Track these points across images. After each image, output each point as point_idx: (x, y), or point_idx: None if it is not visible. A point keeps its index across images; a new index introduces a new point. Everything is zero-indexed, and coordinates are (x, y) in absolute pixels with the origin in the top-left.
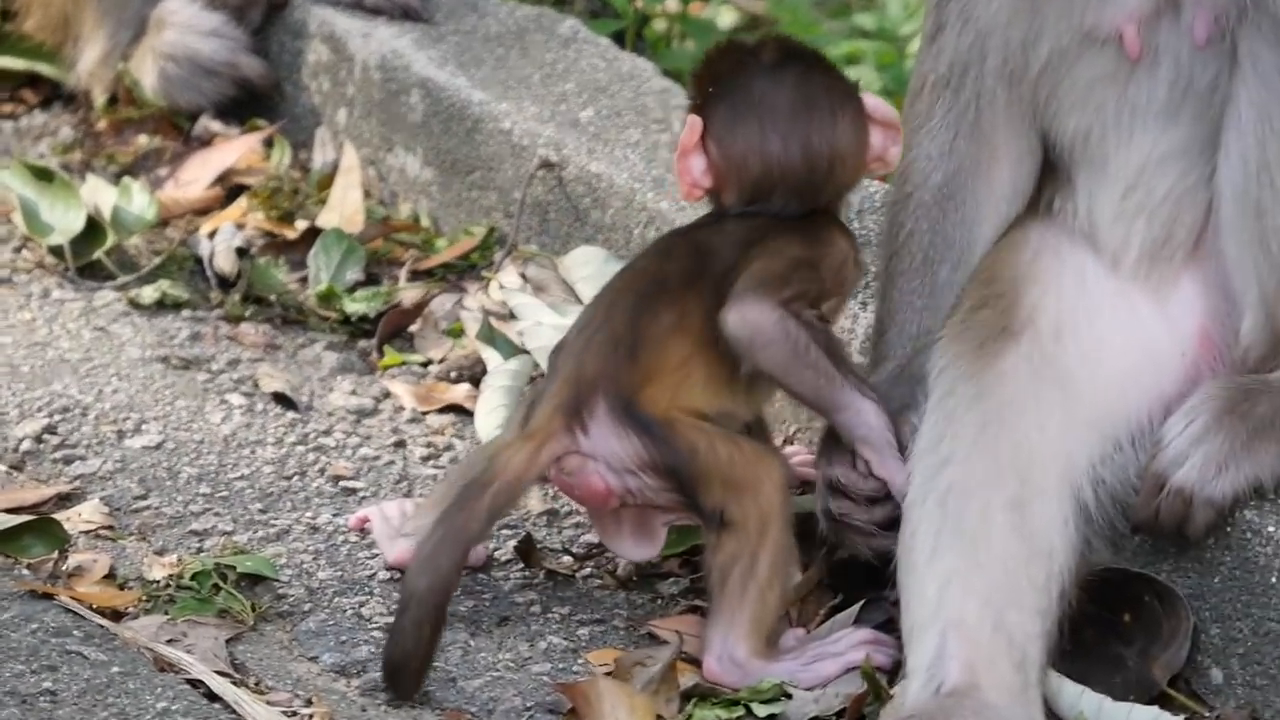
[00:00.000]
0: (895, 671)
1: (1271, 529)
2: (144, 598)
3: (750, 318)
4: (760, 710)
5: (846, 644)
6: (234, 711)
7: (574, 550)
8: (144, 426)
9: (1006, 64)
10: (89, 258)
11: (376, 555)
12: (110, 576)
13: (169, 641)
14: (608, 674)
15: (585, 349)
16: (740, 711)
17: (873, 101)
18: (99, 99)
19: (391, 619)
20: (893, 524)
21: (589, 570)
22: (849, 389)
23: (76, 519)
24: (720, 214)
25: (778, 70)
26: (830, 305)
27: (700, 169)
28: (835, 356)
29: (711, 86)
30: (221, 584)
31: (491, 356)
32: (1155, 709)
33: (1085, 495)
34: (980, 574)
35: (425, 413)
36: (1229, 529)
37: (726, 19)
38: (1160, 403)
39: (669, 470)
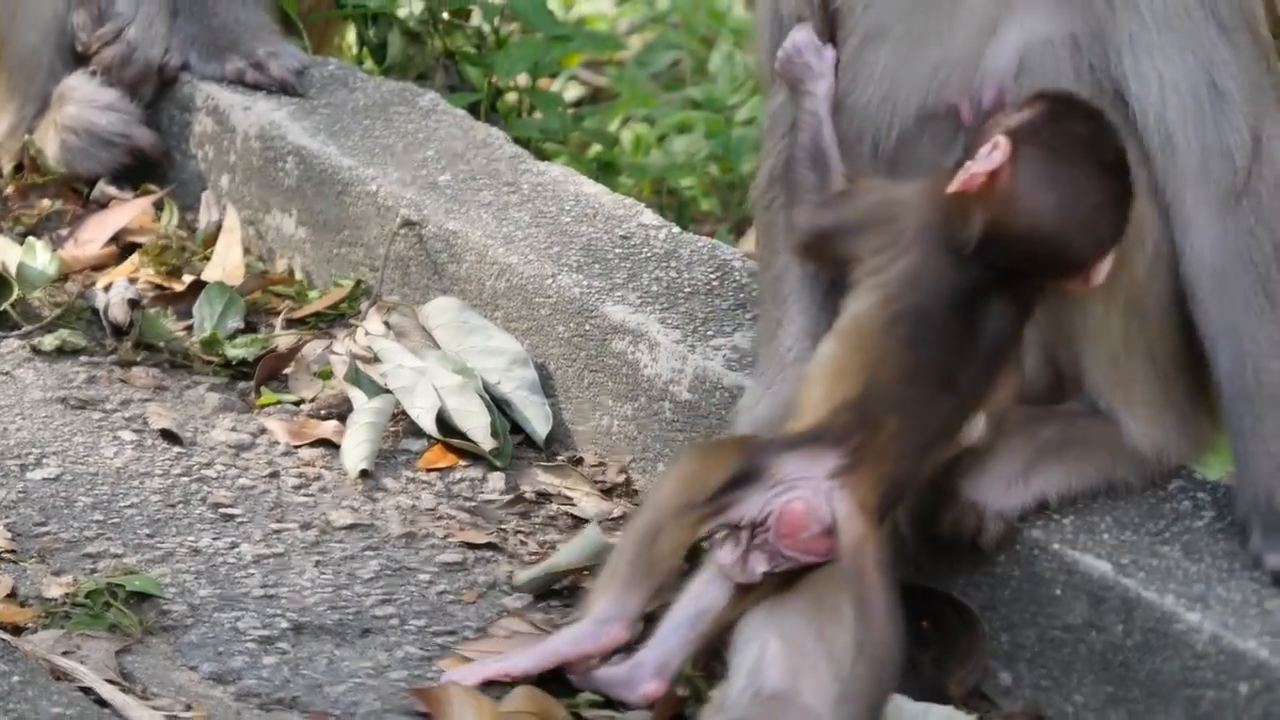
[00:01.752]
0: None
1: (1056, 546)
2: (42, 614)
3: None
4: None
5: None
6: (122, 716)
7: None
8: (44, 460)
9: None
10: None
11: (251, 575)
12: (12, 595)
13: (64, 653)
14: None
15: (904, 445)
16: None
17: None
18: (6, 167)
19: (264, 631)
20: None
21: (443, 585)
22: None
23: None
24: (943, 257)
25: (1114, 151)
26: None
27: (980, 181)
28: None
29: (1046, 127)
30: (112, 601)
31: (357, 396)
32: (949, 709)
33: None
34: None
35: (297, 446)
36: (1018, 546)
37: (572, 92)
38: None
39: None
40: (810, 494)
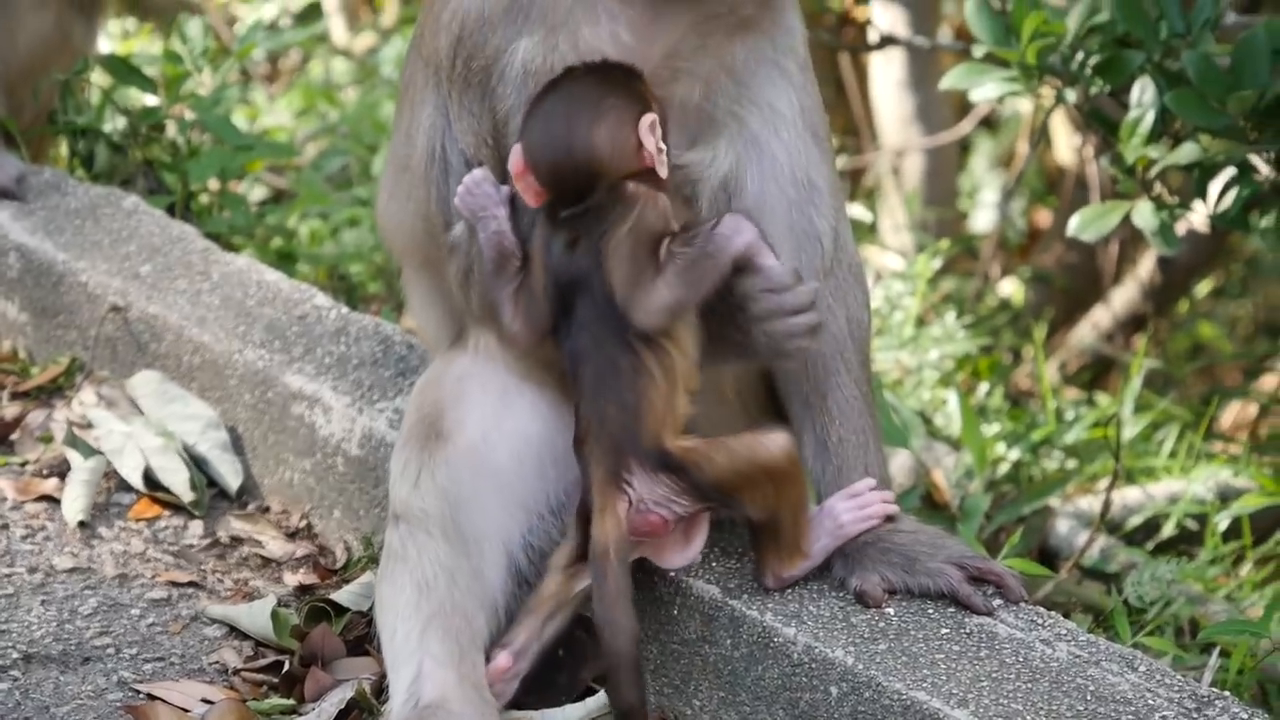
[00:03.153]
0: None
1: (672, 574)
2: None
3: (649, 309)
4: None
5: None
6: None
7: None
8: None
9: None
10: None
11: None
12: None
13: None
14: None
15: (601, 431)
16: None
17: (649, 119)
18: None
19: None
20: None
21: (152, 618)
22: (712, 246)
23: None
24: (554, 223)
25: (560, 88)
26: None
27: (532, 185)
28: (693, 253)
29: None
30: None
31: (74, 457)
32: (596, 699)
33: (519, 560)
34: (450, 622)
35: (23, 501)
36: (640, 574)
37: (257, 193)
38: (573, 481)
39: (695, 489)
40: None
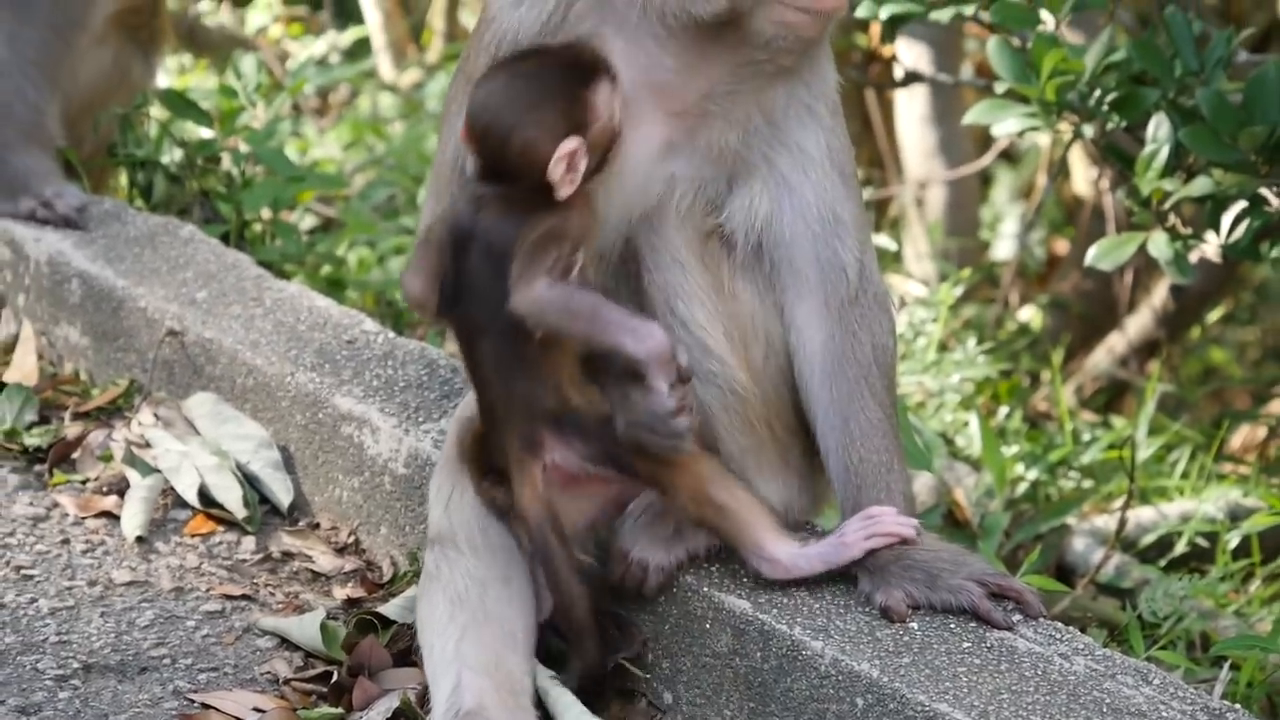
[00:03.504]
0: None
1: (706, 589)
2: None
3: (528, 296)
4: None
5: None
6: None
7: (198, 616)
8: None
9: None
10: None
11: (48, 625)
12: None
13: None
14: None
15: (509, 407)
16: None
17: (571, 145)
18: None
19: (60, 671)
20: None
21: (206, 630)
22: (620, 319)
23: None
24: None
25: (518, 68)
26: (580, 254)
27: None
28: (599, 300)
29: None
30: None
31: (133, 475)
32: None
33: None
34: (484, 630)
35: (84, 518)
36: (675, 590)
37: (307, 222)
38: (614, 504)
39: (603, 450)
40: None
